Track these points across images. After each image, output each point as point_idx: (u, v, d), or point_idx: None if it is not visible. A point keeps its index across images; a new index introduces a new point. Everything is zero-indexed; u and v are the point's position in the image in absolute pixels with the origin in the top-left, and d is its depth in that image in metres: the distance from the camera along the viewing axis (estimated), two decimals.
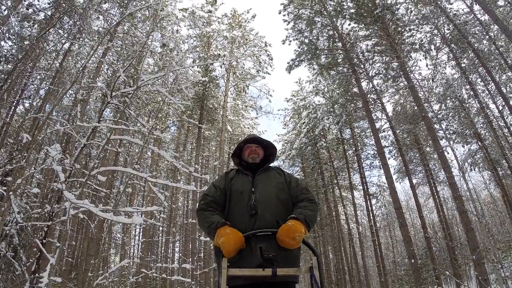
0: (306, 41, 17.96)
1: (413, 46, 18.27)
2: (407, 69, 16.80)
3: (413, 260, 13.88)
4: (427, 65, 19.59)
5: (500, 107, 18.68)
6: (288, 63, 18.45)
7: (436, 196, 23.76)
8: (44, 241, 7.63)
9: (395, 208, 14.88)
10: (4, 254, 7.90)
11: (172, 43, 20.90)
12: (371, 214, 22.88)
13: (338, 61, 18.54)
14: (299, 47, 18.57)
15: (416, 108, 17.44)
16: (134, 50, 18.28)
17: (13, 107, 14.63)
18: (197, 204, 2.65)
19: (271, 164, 2.93)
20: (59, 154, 6.84)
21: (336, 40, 18.32)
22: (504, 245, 21.75)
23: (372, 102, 19.70)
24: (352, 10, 17.55)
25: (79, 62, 18.20)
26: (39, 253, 7.74)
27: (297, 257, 2.42)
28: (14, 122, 15.43)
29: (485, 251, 18.32)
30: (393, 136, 21.13)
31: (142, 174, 7.00)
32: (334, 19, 18.18)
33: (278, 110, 33.77)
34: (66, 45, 16.48)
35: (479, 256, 11.50)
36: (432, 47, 19.46)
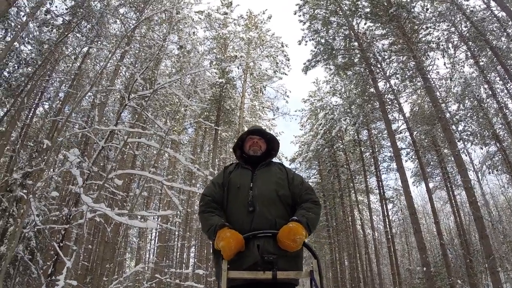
0: (322, 41, 17.87)
1: (430, 44, 17.95)
2: (424, 68, 16.49)
3: (425, 268, 13.61)
4: (444, 64, 19.23)
5: None
6: (304, 63, 18.41)
7: (453, 201, 23.16)
8: (61, 244, 7.68)
9: (410, 213, 14.67)
10: (22, 257, 8.00)
11: (189, 45, 21.04)
12: (387, 220, 22.51)
13: (355, 61, 18.37)
14: (315, 47, 18.49)
15: (433, 108, 17.05)
16: (151, 52, 18.46)
17: (33, 110, 14.91)
18: (199, 205, 2.60)
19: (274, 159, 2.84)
20: (78, 158, 6.92)
21: (353, 39, 18.14)
22: None
23: (389, 102, 19.40)
24: (367, 10, 17.35)
25: (98, 65, 18.49)
26: (55, 256, 7.79)
27: (298, 257, 2.35)
28: (34, 124, 15.73)
29: (500, 259, 17.77)
30: (410, 138, 20.74)
31: (158, 178, 7.03)
32: (350, 19, 18.02)
33: (295, 111, 33.62)
34: (85, 49, 16.75)
35: (492, 264, 11.17)
36: (450, 45, 19.05)
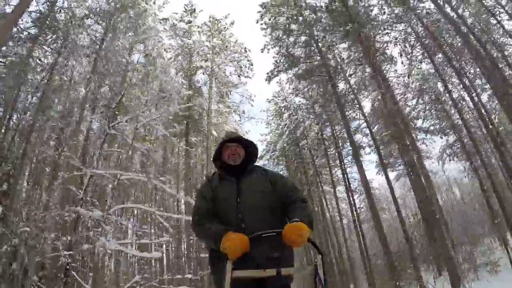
0: (283, 51, 18.78)
1: (387, 45, 19.24)
2: (382, 71, 17.89)
3: (387, 257, 14.98)
4: (402, 63, 20.52)
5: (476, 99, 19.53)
6: (267, 73, 19.67)
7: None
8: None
9: (370, 207, 16.03)
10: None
11: (155, 53, 21.49)
12: (354, 209, 23.98)
13: (315, 68, 19.40)
14: (277, 53, 19.41)
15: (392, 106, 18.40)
16: (118, 62, 18.88)
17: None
18: (192, 218, 2.61)
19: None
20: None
21: (313, 46, 19.21)
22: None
23: (350, 102, 20.69)
24: (325, 21, 18.35)
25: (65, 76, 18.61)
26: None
27: (301, 254, 2.69)
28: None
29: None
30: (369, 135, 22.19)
31: (150, 209, 7.85)
32: (310, 29, 19.06)
33: (261, 111, 34.65)
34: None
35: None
36: (407, 44, 20.59)
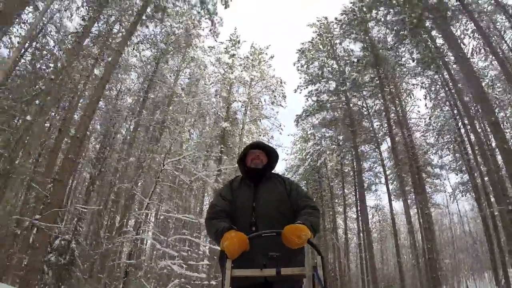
0: (314, 98, 20.93)
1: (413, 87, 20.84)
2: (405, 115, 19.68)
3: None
4: (426, 105, 22.19)
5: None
6: (297, 115, 21.69)
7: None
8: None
9: (367, 243, 18.22)
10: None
11: (198, 75, 23.88)
12: (361, 234, 25.83)
13: (339, 116, 21.33)
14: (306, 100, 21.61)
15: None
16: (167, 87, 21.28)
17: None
18: (206, 214, 2.71)
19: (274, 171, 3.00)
20: None
21: (341, 94, 21.16)
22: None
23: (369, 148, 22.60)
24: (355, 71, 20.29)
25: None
26: None
27: (300, 262, 2.46)
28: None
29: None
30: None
31: (196, 240, 10.35)
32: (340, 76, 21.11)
33: (288, 135, 36.33)
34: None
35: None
36: (433, 88, 22.23)
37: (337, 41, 21.77)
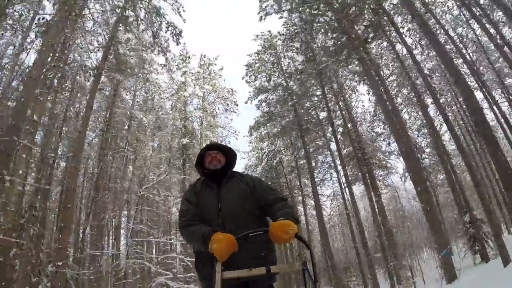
0: (265, 109, 22.93)
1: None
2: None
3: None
4: (369, 99, 24.59)
5: None
6: (250, 126, 23.65)
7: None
8: None
9: (320, 230, 20.78)
10: None
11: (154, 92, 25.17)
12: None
13: (289, 123, 23.56)
14: (257, 108, 23.68)
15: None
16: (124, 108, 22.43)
17: None
18: (179, 221, 2.68)
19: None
20: None
21: (288, 101, 23.21)
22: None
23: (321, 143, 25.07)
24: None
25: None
26: None
27: (272, 261, 2.51)
28: None
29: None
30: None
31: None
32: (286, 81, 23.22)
33: (243, 136, 37.87)
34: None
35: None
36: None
37: (281, 54, 23.71)
